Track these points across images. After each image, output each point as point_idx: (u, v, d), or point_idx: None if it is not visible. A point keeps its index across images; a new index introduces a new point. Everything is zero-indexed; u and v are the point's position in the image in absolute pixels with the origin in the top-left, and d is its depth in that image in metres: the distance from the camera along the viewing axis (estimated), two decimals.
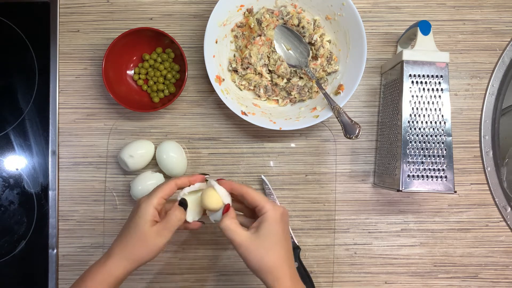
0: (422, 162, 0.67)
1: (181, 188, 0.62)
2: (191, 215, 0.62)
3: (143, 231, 0.57)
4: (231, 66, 0.76)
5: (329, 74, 0.76)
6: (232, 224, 0.57)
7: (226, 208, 0.59)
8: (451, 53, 0.79)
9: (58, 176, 0.76)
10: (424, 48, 0.69)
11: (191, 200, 0.61)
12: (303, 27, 0.75)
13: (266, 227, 0.56)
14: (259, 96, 0.77)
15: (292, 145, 0.78)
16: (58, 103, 0.77)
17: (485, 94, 0.79)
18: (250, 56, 0.75)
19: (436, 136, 0.67)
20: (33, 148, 0.76)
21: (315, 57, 0.76)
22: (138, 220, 0.57)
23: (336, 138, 0.78)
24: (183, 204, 0.60)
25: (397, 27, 0.79)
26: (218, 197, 0.59)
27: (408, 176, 0.67)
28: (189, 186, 0.62)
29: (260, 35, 0.75)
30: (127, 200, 0.76)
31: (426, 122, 0.68)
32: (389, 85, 0.74)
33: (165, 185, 0.60)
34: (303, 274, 0.74)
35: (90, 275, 0.57)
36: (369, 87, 0.79)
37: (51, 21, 0.78)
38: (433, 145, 0.67)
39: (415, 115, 0.68)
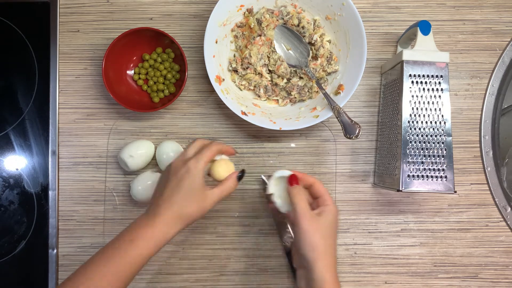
0: (422, 162, 0.67)
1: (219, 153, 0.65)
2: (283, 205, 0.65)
3: (198, 191, 0.60)
4: (231, 66, 0.76)
5: (329, 74, 0.76)
6: (302, 194, 0.61)
7: (295, 180, 0.62)
8: (451, 53, 0.79)
9: (58, 176, 0.76)
10: (424, 48, 0.69)
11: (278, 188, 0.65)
12: (303, 27, 0.75)
13: (326, 216, 0.60)
14: (259, 96, 0.77)
15: (292, 145, 0.78)
16: (58, 103, 0.77)
17: (485, 94, 0.79)
18: (250, 56, 0.75)
19: (436, 136, 0.67)
20: (33, 148, 0.76)
21: (315, 57, 0.76)
22: (192, 181, 0.59)
23: (336, 138, 0.78)
24: (240, 177, 0.65)
25: (397, 27, 0.79)
26: (230, 167, 0.65)
27: (408, 176, 0.67)
28: (228, 155, 0.66)
29: (260, 35, 0.75)
30: (127, 200, 0.76)
31: (426, 122, 0.68)
32: (389, 85, 0.74)
33: (210, 151, 0.62)
34: None
35: (139, 233, 0.57)
36: (369, 87, 0.79)
37: (51, 21, 0.78)
38: (433, 145, 0.67)
39: (415, 115, 0.68)
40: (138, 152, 0.72)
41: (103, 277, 0.55)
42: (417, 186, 0.67)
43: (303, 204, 0.60)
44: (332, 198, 0.63)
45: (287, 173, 0.64)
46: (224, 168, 0.64)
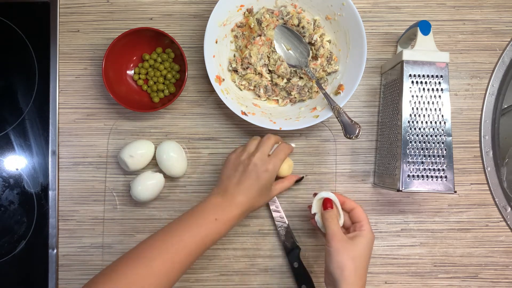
0: (422, 162, 0.67)
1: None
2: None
3: (269, 189, 0.68)
4: (231, 66, 0.76)
5: (329, 74, 0.76)
6: (334, 218, 0.64)
7: (329, 203, 0.66)
8: (451, 53, 0.79)
9: (58, 176, 0.76)
10: (424, 48, 0.69)
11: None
12: (303, 27, 0.75)
13: (360, 240, 0.62)
14: (259, 96, 0.77)
15: (292, 145, 0.78)
16: (58, 103, 0.77)
17: (485, 94, 0.79)
18: (250, 56, 0.75)
19: (436, 136, 0.67)
20: (33, 148, 0.76)
21: (315, 57, 0.76)
22: (269, 181, 0.67)
23: (336, 138, 0.78)
24: (298, 181, 0.75)
25: (397, 27, 0.79)
26: (291, 165, 0.72)
27: (408, 176, 0.67)
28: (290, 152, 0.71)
29: (260, 35, 0.75)
30: (127, 200, 0.76)
31: (426, 122, 0.68)
32: (389, 85, 0.74)
33: (285, 153, 0.69)
34: (303, 274, 0.74)
35: (221, 215, 0.63)
36: (369, 87, 0.79)
37: (51, 21, 0.78)
38: (433, 145, 0.67)
39: (415, 115, 0.68)
40: (138, 152, 0.72)
41: (185, 247, 0.60)
42: (417, 186, 0.67)
43: (335, 227, 0.63)
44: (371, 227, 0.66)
45: (328, 195, 0.66)
46: (287, 165, 0.71)
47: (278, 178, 0.71)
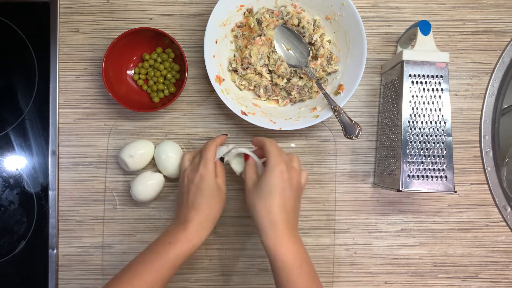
0: (422, 162, 0.67)
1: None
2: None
3: (216, 190, 0.66)
4: (231, 66, 0.76)
5: (329, 74, 0.76)
6: (251, 167, 0.66)
7: (245, 156, 0.67)
8: (451, 53, 0.79)
9: (58, 176, 0.76)
10: (424, 48, 0.69)
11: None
12: (303, 27, 0.75)
13: (263, 178, 0.62)
14: (259, 96, 0.77)
15: (292, 145, 0.78)
16: (58, 103, 0.77)
17: (485, 94, 0.79)
18: (250, 56, 0.75)
19: (436, 136, 0.67)
20: (33, 148, 0.76)
21: (315, 57, 0.76)
22: (208, 185, 0.65)
23: (336, 138, 0.78)
24: (222, 159, 0.71)
25: (397, 27, 0.79)
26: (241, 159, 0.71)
27: (408, 176, 0.67)
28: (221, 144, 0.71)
29: (260, 35, 0.75)
30: (127, 200, 0.76)
31: (426, 122, 0.68)
32: (389, 85, 0.74)
33: (209, 151, 0.67)
34: None
35: (176, 236, 0.62)
36: (369, 87, 0.79)
37: (51, 21, 0.78)
38: (433, 145, 0.67)
39: (415, 115, 0.68)
40: (138, 152, 0.72)
41: (142, 281, 0.59)
42: (417, 186, 0.67)
43: (248, 174, 0.65)
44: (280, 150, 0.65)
45: (244, 151, 0.68)
46: (236, 161, 0.71)
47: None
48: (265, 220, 0.60)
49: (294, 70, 0.76)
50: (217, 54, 0.74)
